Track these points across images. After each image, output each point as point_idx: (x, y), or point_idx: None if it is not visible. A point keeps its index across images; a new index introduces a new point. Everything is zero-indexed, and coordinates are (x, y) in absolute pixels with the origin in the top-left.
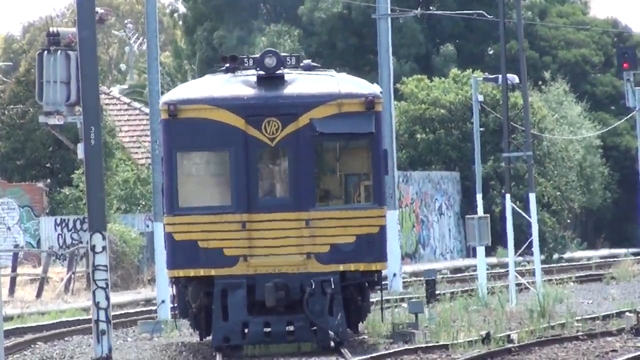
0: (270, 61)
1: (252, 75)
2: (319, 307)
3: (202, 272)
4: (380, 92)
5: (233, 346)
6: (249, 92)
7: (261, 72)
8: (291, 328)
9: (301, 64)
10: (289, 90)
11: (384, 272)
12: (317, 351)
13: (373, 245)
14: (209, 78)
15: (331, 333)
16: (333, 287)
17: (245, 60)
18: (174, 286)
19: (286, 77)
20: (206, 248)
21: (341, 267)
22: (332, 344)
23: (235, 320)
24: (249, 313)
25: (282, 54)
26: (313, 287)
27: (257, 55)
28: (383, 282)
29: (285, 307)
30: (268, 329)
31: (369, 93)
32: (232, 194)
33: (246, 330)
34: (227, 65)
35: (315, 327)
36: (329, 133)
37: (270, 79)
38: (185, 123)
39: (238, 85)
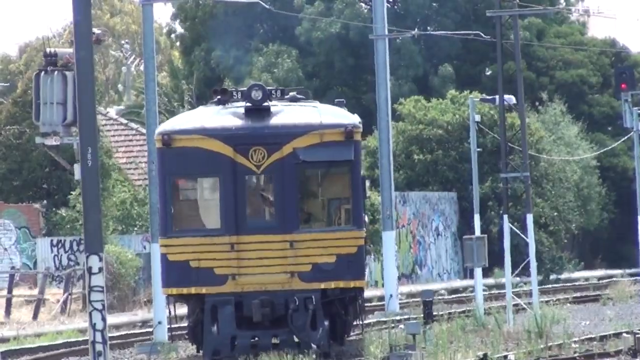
0: (256, 94)
1: (240, 107)
2: (302, 322)
3: (194, 290)
4: (359, 122)
5: (224, 358)
6: (237, 122)
7: (248, 104)
8: (276, 341)
9: (287, 96)
10: (274, 121)
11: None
12: None
13: (352, 265)
14: (202, 109)
15: (313, 345)
16: (315, 303)
17: (235, 93)
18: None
19: (272, 108)
20: (198, 268)
21: (322, 285)
22: (314, 355)
23: (224, 334)
24: (237, 327)
25: (268, 88)
26: (296, 303)
27: (245, 89)
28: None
29: (271, 322)
30: (255, 342)
31: (348, 123)
32: (221, 217)
33: (235, 343)
34: (219, 97)
35: (298, 340)
36: (311, 161)
37: (257, 111)
38: (179, 152)
39: (227, 116)
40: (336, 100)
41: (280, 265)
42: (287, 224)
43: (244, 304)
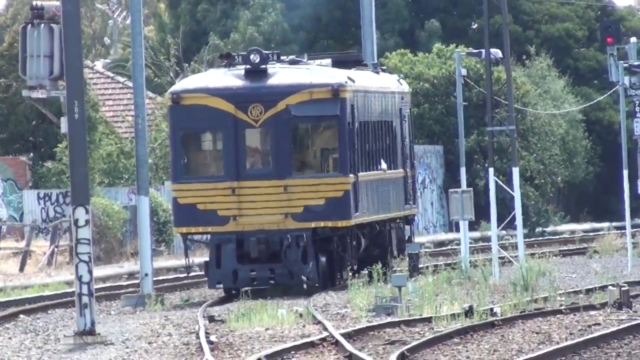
0: (254, 57)
1: (242, 69)
2: (294, 257)
3: (200, 229)
4: (346, 82)
5: (226, 290)
6: (238, 83)
7: (248, 67)
8: (272, 274)
9: (287, 59)
10: (270, 81)
11: None
12: (300, 327)
13: (339, 206)
14: (211, 72)
15: (304, 277)
16: (305, 240)
17: (236, 57)
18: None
19: (269, 70)
20: (204, 210)
21: (313, 224)
22: (305, 286)
23: (227, 268)
24: (238, 262)
25: (265, 52)
26: (290, 241)
27: (245, 53)
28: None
29: (268, 257)
30: (254, 275)
31: (335, 82)
32: (224, 165)
33: (236, 277)
34: (225, 61)
35: (291, 273)
36: (301, 116)
37: (256, 72)
38: (187, 109)
39: (230, 77)
40: (372, 63)
41: (276, 207)
42: (281, 171)
43: (244, 241)
